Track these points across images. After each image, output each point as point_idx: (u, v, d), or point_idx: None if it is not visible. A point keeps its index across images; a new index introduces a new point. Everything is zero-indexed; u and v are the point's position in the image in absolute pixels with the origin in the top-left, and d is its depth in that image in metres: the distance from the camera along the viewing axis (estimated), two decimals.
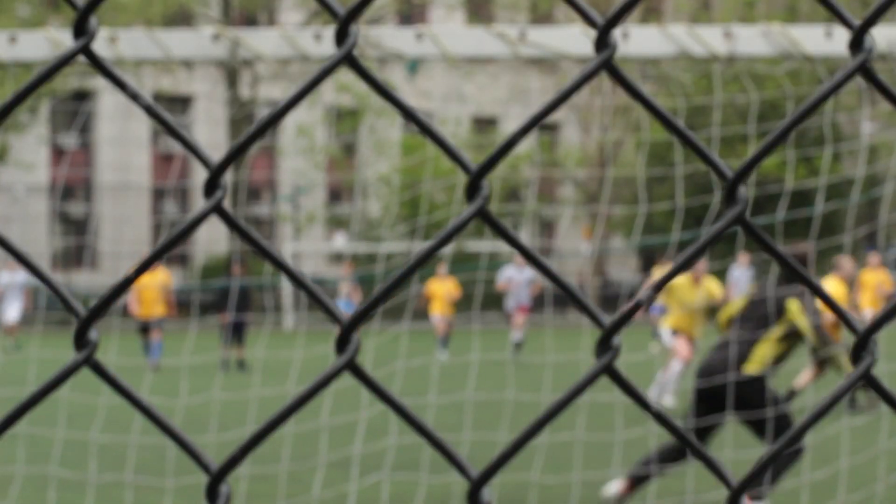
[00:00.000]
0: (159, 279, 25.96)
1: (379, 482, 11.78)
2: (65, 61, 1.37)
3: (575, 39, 9.46)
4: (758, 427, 9.74)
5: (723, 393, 9.63)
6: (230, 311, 26.23)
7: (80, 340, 1.36)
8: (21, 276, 31.78)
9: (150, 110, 1.39)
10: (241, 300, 26.52)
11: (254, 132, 1.37)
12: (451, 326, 29.95)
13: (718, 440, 13.57)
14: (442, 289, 29.98)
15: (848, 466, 12.09)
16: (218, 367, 25.66)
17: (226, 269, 34.15)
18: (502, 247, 40.54)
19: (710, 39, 9.51)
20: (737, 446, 13.32)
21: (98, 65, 1.37)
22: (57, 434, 13.46)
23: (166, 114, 1.40)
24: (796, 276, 1.49)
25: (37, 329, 27.56)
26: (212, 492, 1.38)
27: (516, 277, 28.33)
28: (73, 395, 13.79)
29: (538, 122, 1.41)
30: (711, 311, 17.28)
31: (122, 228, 53.69)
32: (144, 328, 25.77)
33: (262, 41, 9.72)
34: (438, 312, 29.85)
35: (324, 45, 9.45)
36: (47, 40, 9.33)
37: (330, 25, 21.30)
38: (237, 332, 26.61)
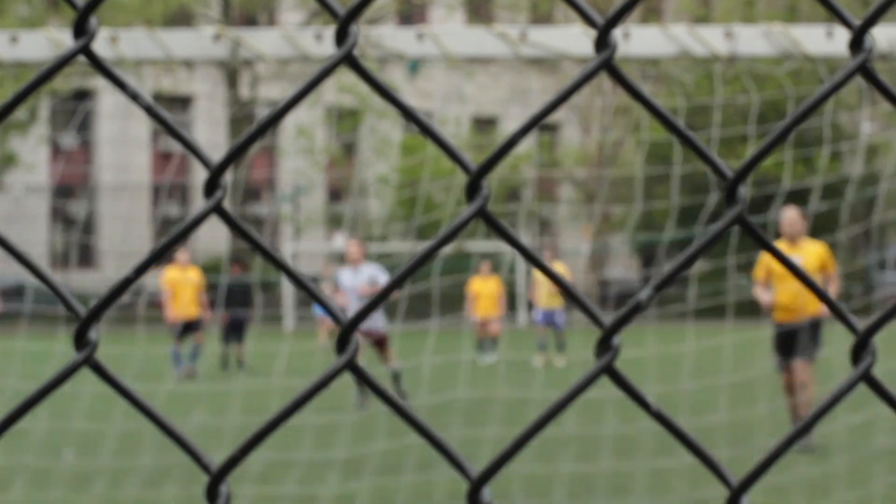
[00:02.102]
0: (192, 278, 25.08)
1: (358, 486, 11.78)
2: (65, 61, 1.37)
3: (575, 39, 9.46)
4: None
5: None
6: (230, 310, 26.20)
7: (81, 341, 1.36)
8: None
9: (150, 110, 1.39)
10: (241, 300, 26.49)
11: (254, 132, 1.38)
12: (500, 326, 28.45)
13: (713, 440, 13.58)
14: (486, 288, 28.56)
15: (845, 463, 12.10)
16: (216, 366, 25.67)
17: (226, 268, 34.07)
18: (503, 247, 40.56)
19: (711, 39, 9.52)
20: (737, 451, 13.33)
21: (98, 65, 1.37)
22: (73, 425, 13.47)
23: (166, 114, 1.40)
24: (795, 273, 1.49)
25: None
26: (212, 492, 1.38)
27: (349, 282, 19.24)
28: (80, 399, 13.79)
29: (538, 122, 1.41)
30: None
31: (123, 228, 53.72)
32: (182, 330, 24.60)
33: (262, 41, 9.72)
34: (484, 314, 28.25)
35: (324, 45, 9.45)
36: (48, 40, 9.33)
37: (330, 25, 21.30)
38: (237, 332, 26.59)
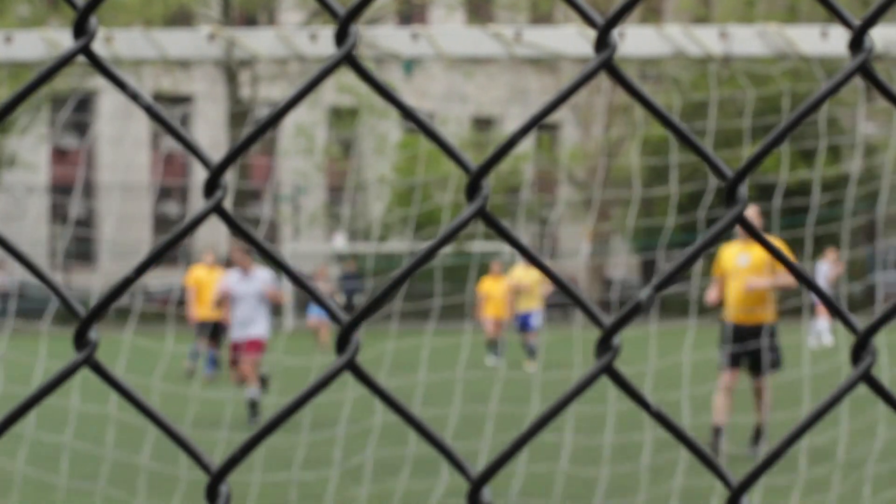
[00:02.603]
0: (217, 278, 24.76)
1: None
2: (65, 61, 1.37)
3: (571, 39, 9.46)
4: None
5: None
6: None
7: (80, 341, 1.35)
8: None
9: (150, 110, 1.39)
10: None
11: (254, 133, 1.38)
12: (506, 329, 27.52)
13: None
14: (497, 289, 27.64)
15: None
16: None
17: (225, 269, 33.92)
18: (503, 247, 40.57)
19: (706, 39, 9.52)
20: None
21: (98, 65, 1.37)
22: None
23: (166, 114, 1.40)
24: (792, 271, 1.49)
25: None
26: (212, 492, 1.38)
27: (238, 289, 17.41)
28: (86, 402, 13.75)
29: (538, 122, 1.41)
30: None
31: (123, 228, 53.72)
32: (206, 329, 24.40)
33: (257, 41, 9.72)
34: (495, 315, 27.41)
35: (320, 44, 9.45)
36: (43, 40, 9.32)
37: (328, 25, 21.30)
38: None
